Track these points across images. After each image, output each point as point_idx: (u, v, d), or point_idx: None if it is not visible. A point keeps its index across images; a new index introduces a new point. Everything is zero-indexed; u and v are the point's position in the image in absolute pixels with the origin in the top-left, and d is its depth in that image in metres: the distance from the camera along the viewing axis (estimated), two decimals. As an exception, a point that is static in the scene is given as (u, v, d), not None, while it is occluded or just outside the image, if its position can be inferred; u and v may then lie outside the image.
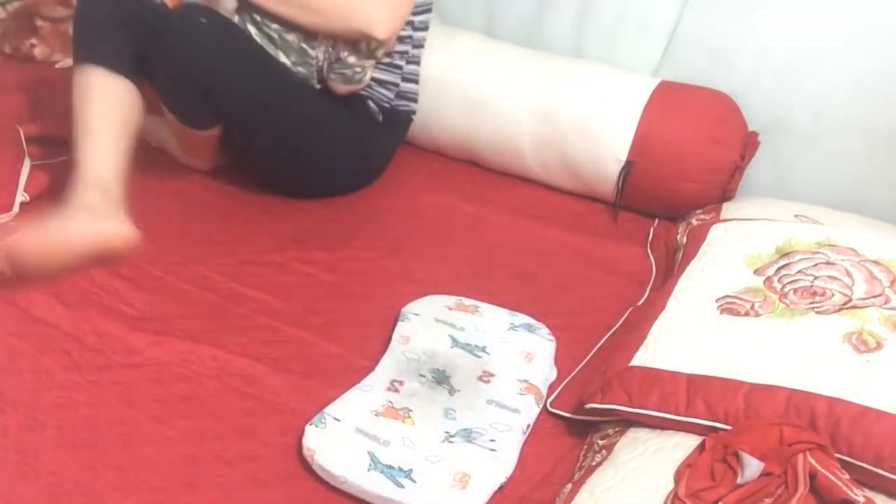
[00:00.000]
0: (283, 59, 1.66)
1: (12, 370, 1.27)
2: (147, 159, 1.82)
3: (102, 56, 1.59)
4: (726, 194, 1.73)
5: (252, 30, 1.65)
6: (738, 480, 1.03)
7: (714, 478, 1.04)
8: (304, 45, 1.65)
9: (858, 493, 0.99)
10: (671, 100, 1.76)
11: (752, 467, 1.03)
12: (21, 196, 1.64)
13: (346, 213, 1.74)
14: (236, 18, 1.65)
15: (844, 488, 0.99)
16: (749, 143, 1.75)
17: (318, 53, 1.66)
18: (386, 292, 1.50)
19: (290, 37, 1.65)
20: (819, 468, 1.01)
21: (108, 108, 1.57)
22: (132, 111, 1.60)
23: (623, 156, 1.74)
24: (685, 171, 1.71)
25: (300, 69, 1.67)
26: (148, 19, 1.63)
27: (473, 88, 1.87)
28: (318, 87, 1.71)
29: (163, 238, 1.59)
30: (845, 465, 1.03)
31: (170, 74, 1.59)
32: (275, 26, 1.64)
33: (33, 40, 2.27)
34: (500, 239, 1.69)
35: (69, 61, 2.23)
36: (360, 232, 1.69)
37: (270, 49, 1.65)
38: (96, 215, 1.44)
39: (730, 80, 1.78)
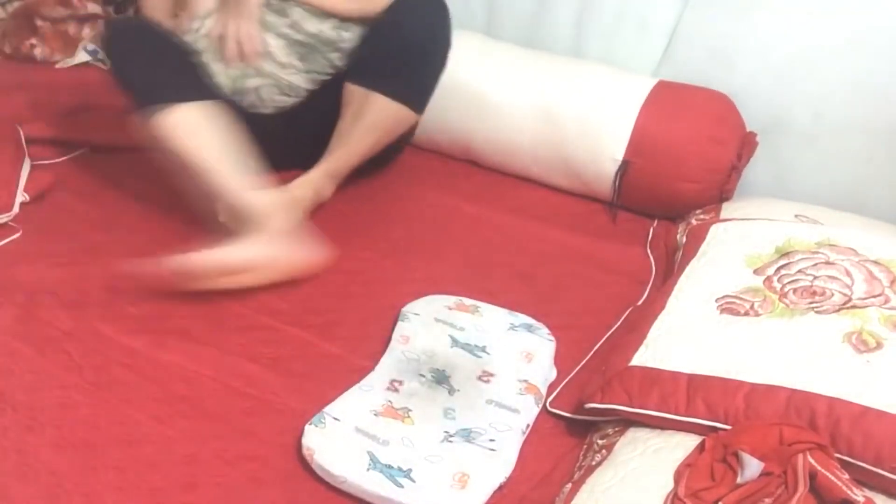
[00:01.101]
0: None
1: (12, 370, 1.27)
2: (147, 160, 1.83)
3: (176, 92, 1.57)
4: (724, 194, 1.73)
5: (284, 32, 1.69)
6: (738, 480, 1.03)
7: (714, 478, 1.04)
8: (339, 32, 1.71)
9: (858, 493, 0.99)
10: (669, 100, 1.76)
11: (752, 467, 1.03)
12: (21, 196, 1.64)
13: (347, 213, 1.74)
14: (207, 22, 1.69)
15: (844, 488, 0.99)
16: (747, 144, 1.75)
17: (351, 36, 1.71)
18: (386, 292, 1.50)
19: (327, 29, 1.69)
20: (819, 468, 1.01)
21: (219, 136, 1.57)
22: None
23: (619, 156, 1.74)
24: (682, 171, 1.71)
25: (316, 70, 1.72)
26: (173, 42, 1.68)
27: (473, 88, 1.87)
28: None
29: (163, 238, 1.59)
30: (845, 465, 1.03)
31: None
32: (313, 28, 1.69)
33: (33, 40, 2.27)
34: (500, 239, 1.69)
35: (69, 61, 2.24)
36: (360, 232, 1.69)
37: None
38: (279, 238, 1.49)
39: (730, 80, 1.79)
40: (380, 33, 1.65)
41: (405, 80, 1.67)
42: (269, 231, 1.49)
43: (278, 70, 1.70)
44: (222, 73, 1.70)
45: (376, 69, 1.65)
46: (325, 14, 1.69)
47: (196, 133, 1.54)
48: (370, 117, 1.66)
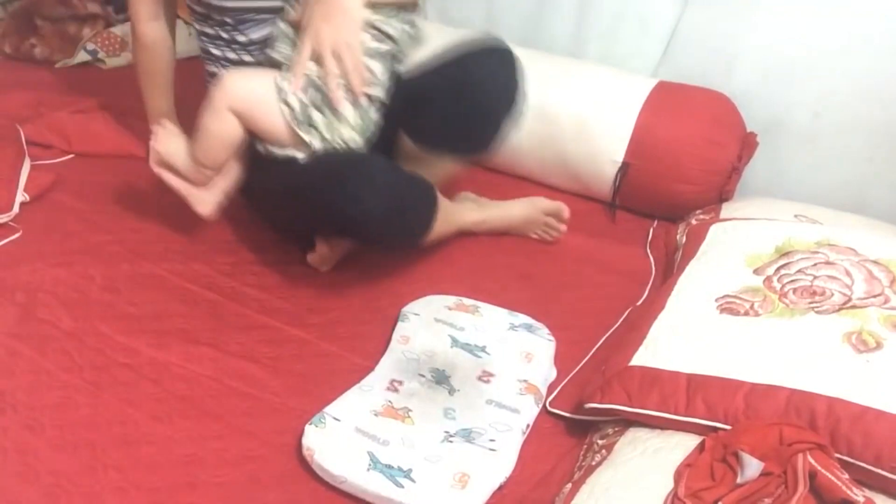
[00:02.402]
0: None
1: (12, 370, 1.27)
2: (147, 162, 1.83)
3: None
4: (724, 196, 1.73)
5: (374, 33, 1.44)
6: (738, 480, 1.03)
7: (714, 478, 1.04)
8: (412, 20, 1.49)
9: (858, 493, 0.99)
10: (668, 100, 1.76)
11: (752, 467, 1.03)
12: (21, 196, 1.63)
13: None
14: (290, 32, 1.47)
15: (844, 488, 0.99)
16: (747, 145, 1.75)
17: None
18: (386, 292, 1.50)
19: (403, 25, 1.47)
20: (819, 468, 1.01)
21: None
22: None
23: (619, 157, 1.74)
24: (682, 172, 1.71)
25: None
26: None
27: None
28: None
29: (163, 237, 1.60)
30: (845, 465, 1.03)
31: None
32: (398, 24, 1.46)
33: (33, 40, 2.27)
34: (499, 239, 1.69)
35: (69, 61, 2.24)
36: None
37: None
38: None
39: (729, 80, 1.79)
40: (450, 95, 1.46)
41: (478, 145, 1.53)
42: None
43: (384, 93, 1.46)
44: (321, 124, 1.41)
45: (447, 135, 1.48)
46: (390, 8, 1.44)
47: None
48: (439, 171, 1.59)
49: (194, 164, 1.48)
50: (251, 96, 1.42)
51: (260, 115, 1.42)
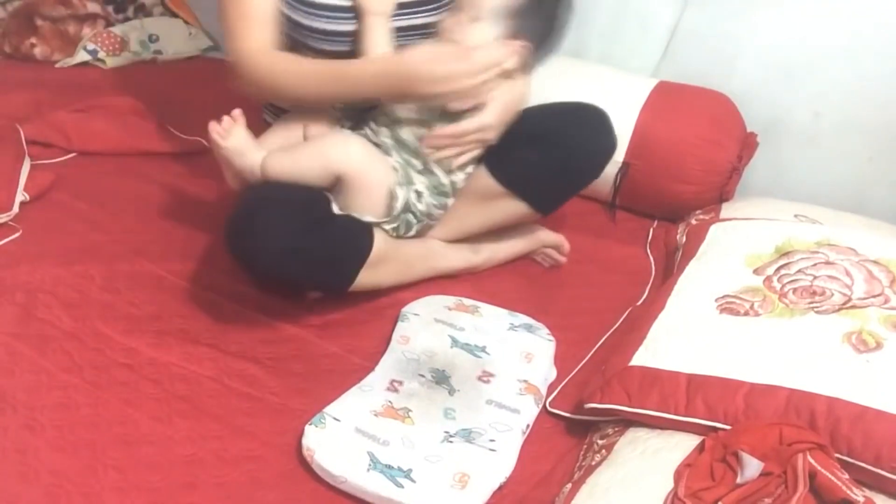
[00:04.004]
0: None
1: (12, 370, 1.27)
2: (147, 162, 1.84)
3: None
4: (724, 196, 1.72)
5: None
6: (738, 480, 1.03)
7: (714, 478, 1.04)
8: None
9: (858, 493, 0.99)
10: (669, 101, 1.76)
11: (752, 467, 1.03)
12: (21, 196, 1.63)
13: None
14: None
15: (844, 488, 0.99)
16: (747, 145, 1.75)
17: None
18: (386, 292, 1.50)
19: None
20: (819, 468, 1.01)
21: None
22: None
23: (619, 157, 1.73)
24: (681, 172, 1.71)
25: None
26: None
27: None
28: None
29: (163, 237, 1.60)
30: (845, 465, 1.03)
31: None
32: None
33: (33, 40, 2.27)
34: (499, 239, 1.69)
35: (69, 61, 2.24)
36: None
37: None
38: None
39: (730, 80, 1.79)
40: (545, 147, 1.45)
41: (553, 196, 1.53)
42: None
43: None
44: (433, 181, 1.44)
45: (528, 176, 1.47)
46: None
47: None
48: (496, 213, 1.52)
49: (256, 170, 1.40)
50: (368, 178, 1.39)
51: (363, 195, 1.40)
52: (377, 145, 1.43)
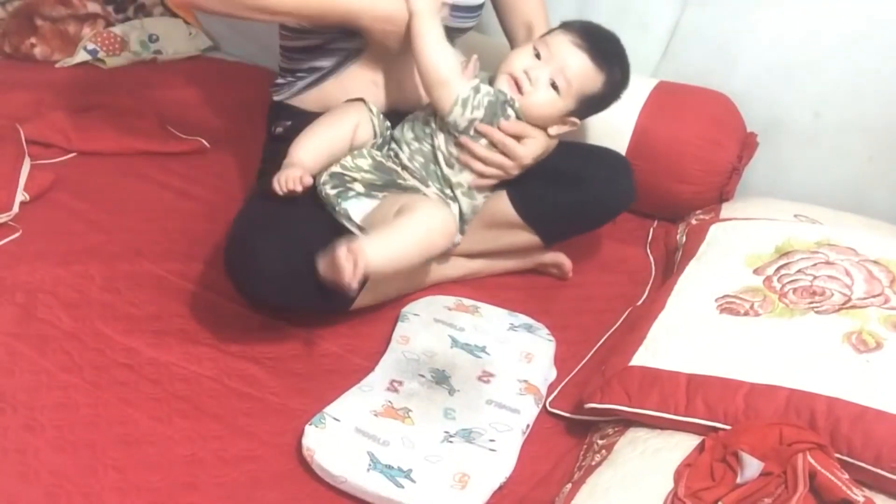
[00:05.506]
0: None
1: (12, 370, 1.27)
2: (147, 162, 1.83)
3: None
4: (724, 196, 1.72)
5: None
6: (738, 480, 1.03)
7: (714, 478, 1.04)
8: None
9: (858, 493, 0.99)
10: (669, 100, 1.75)
11: (752, 467, 1.03)
12: (21, 196, 1.63)
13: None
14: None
15: (844, 488, 0.99)
16: (747, 145, 1.75)
17: None
18: (386, 292, 1.50)
19: None
20: (819, 468, 1.01)
21: None
22: None
23: (619, 157, 1.73)
24: (681, 172, 1.70)
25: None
26: None
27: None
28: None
29: (163, 237, 1.59)
30: (845, 465, 1.03)
31: None
32: None
33: (33, 40, 2.27)
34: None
35: (69, 61, 2.24)
36: (359, 232, 1.69)
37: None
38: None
39: (730, 80, 1.78)
40: (566, 188, 1.48)
41: (563, 233, 1.56)
42: None
43: None
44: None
45: (545, 212, 1.50)
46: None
47: None
48: (504, 239, 1.54)
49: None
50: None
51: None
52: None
